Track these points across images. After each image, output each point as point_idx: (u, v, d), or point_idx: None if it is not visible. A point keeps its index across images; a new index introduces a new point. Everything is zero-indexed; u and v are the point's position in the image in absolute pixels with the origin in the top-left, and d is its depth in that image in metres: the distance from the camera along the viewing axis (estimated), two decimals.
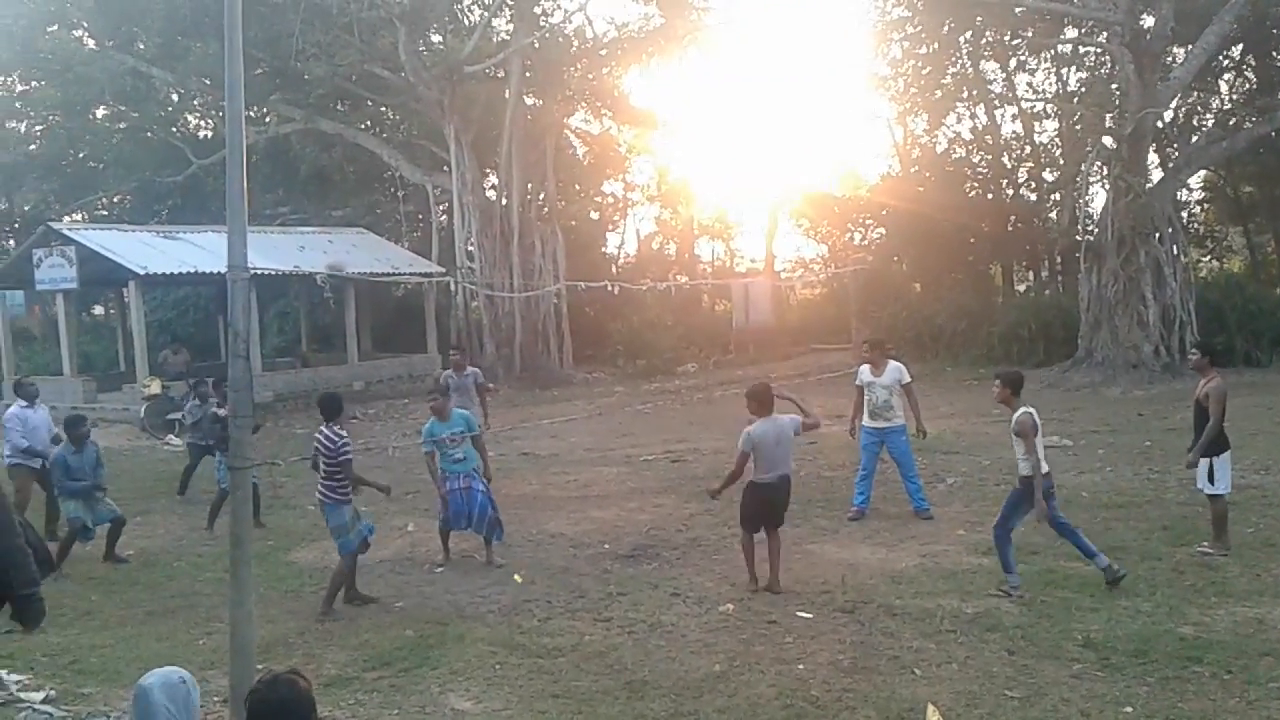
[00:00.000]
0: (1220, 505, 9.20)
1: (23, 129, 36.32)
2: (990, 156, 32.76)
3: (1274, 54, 28.02)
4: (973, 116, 32.90)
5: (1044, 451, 8.36)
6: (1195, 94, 28.32)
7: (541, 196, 30.70)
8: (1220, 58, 26.74)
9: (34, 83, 33.22)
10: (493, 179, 31.13)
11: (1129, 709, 6.02)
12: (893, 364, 11.26)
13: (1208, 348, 9.99)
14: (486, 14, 30.25)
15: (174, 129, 33.71)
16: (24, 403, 11.84)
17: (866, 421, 11.32)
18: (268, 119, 31.31)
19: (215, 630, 8.02)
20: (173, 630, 8.36)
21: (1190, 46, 23.33)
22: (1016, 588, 8.24)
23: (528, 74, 28.71)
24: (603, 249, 38.26)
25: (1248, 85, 29.36)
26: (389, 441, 18.25)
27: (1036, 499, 8.17)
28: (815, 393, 22.59)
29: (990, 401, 19.89)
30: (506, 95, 28.28)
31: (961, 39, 27.75)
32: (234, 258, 6.09)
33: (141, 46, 29.95)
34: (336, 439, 8.65)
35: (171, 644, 7.95)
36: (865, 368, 11.45)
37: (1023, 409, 8.40)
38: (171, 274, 22.62)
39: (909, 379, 11.23)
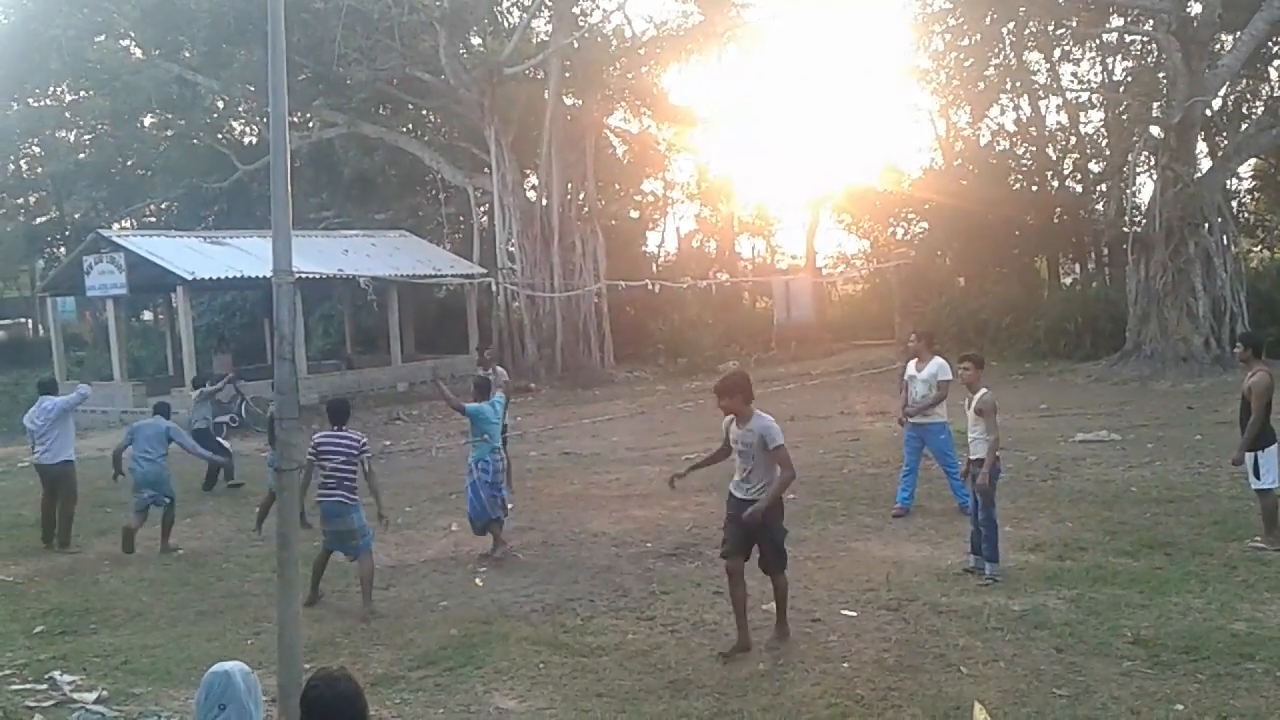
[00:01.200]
0: (1269, 499, 9.03)
1: (72, 138, 37.11)
2: (1035, 148, 32.41)
3: None
4: (1016, 108, 32.59)
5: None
6: (1244, 81, 27.80)
7: (581, 196, 30.79)
8: (1270, 44, 26.21)
9: (83, 92, 33.95)
10: (533, 180, 31.31)
11: (1180, 707, 5.92)
12: (936, 359, 11.11)
13: (1250, 340, 9.85)
14: (526, 15, 30.41)
15: (219, 135, 34.23)
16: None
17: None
18: (311, 124, 31.72)
19: (263, 630, 8.12)
20: (222, 630, 8.46)
21: (1239, 33, 22.90)
22: (998, 577, 8.47)
23: (567, 74, 28.80)
24: (643, 248, 38.35)
25: None
26: (433, 442, 18.37)
27: (985, 471, 8.61)
28: (858, 389, 22.53)
29: (1036, 396, 19.78)
30: (546, 96, 28.40)
31: (1004, 30, 27.43)
32: (279, 262, 6.15)
33: (187, 55, 30.45)
34: (360, 440, 8.92)
35: (221, 644, 8.05)
36: (912, 363, 11.34)
37: (985, 390, 8.83)
38: (218, 279, 22.96)
39: (948, 377, 10.85)
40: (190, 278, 22.12)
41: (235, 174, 31.19)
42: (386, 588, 9.50)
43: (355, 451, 8.80)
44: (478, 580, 9.55)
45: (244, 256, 23.88)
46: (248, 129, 36.65)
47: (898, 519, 10.88)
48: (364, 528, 8.93)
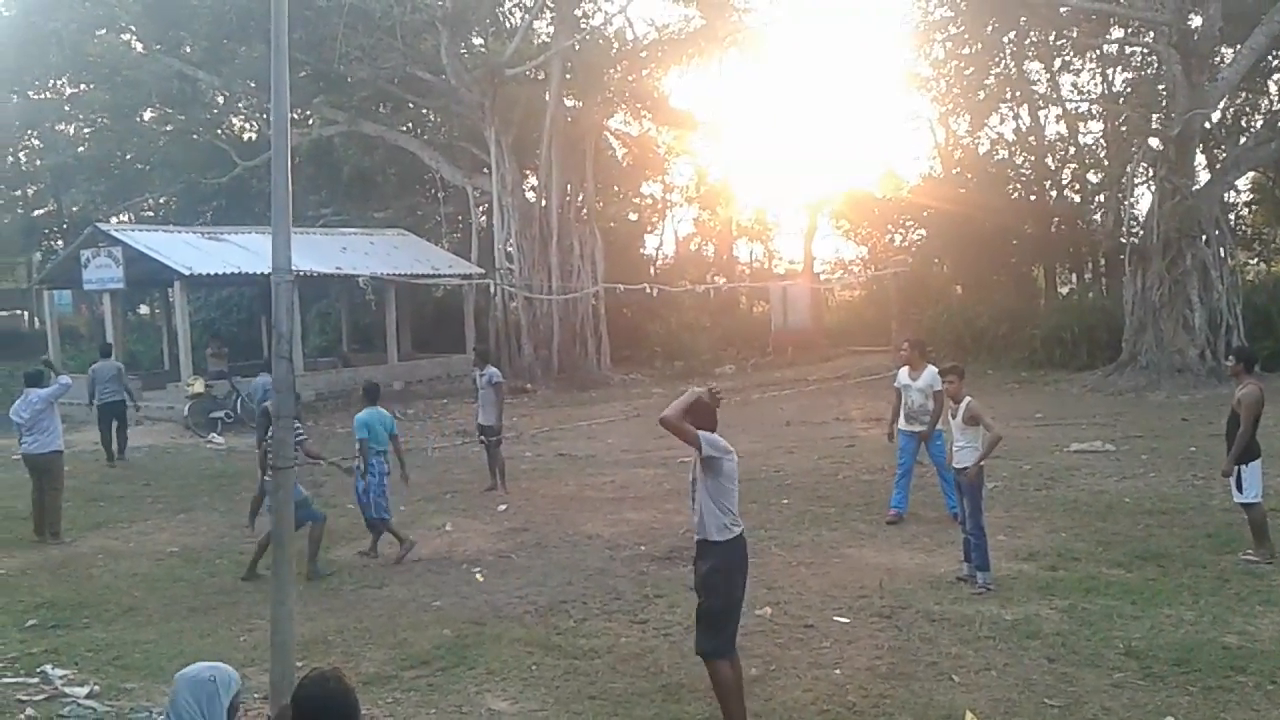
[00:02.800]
0: (1256, 512, 9.08)
1: (71, 131, 37.01)
2: (1033, 158, 32.45)
3: None
4: (1016, 117, 32.63)
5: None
6: (1244, 95, 27.87)
7: (580, 198, 30.78)
8: (1269, 58, 26.28)
9: (83, 85, 33.84)
10: (532, 180, 31.30)
11: (1170, 719, 5.94)
12: (930, 368, 11.09)
13: (1242, 353, 9.92)
14: (528, 17, 30.41)
15: (219, 131, 34.16)
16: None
17: (903, 424, 11.24)
18: (311, 121, 31.67)
19: (256, 627, 8.12)
20: (214, 627, 8.46)
21: (1239, 46, 22.95)
22: (990, 585, 8.52)
23: (568, 76, 28.81)
24: (641, 250, 38.32)
25: None
26: (429, 442, 18.34)
27: (974, 465, 8.66)
28: (854, 395, 22.54)
29: (1032, 404, 19.81)
30: (547, 97, 28.39)
31: (1005, 39, 27.52)
32: (279, 260, 6.15)
33: (188, 50, 30.41)
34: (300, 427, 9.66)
35: (213, 640, 8.05)
36: (904, 370, 11.36)
37: (969, 397, 8.94)
38: (216, 274, 22.91)
39: (940, 387, 10.64)
40: (188, 273, 22.08)
41: (234, 170, 31.14)
42: (380, 586, 9.51)
43: (301, 436, 9.63)
44: (477, 576, 9.44)
45: (242, 253, 23.85)
46: (248, 125, 36.60)
47: (892, 525, 10.89)
48: (305, 498, 9.85)
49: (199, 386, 21.24)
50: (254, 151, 31.42)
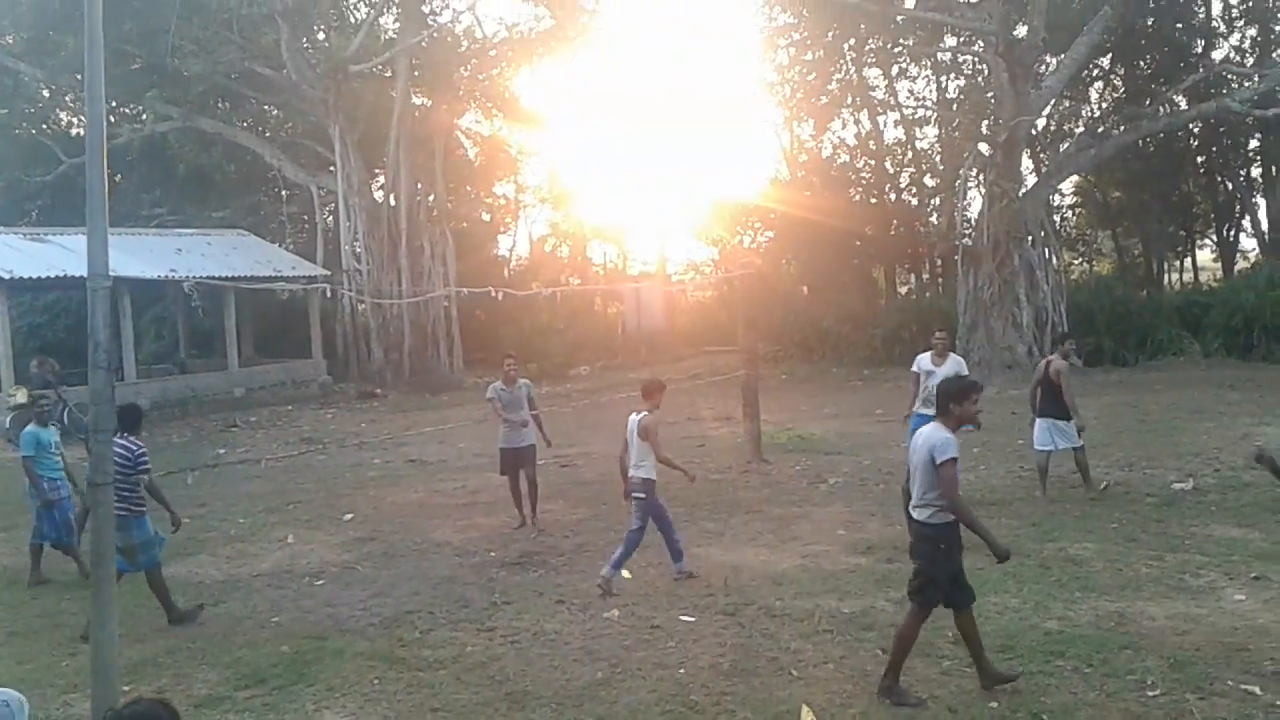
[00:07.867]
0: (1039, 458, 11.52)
1: None
2: (874, 162, 33.53)
3: (1140, 64, 29.32)
4: (857, 122, 33.68)
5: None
6: (1067, 102, 29.47)
7: (431, 198, 30.32)
8: (1090, 67, 27.86)
9: None
10: (381, 180, 30.67)
11: (995, 704, 6.19)
12: (954, 356, 11.47)
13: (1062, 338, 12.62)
14: (372, 11, 29.82)
15: (44, 126, 32.41)
16: None
17: (921, 409, 10.89)
18: (144, 117, 30.31)
19: (80, 651, 7.70)
20: (35, 652, 8.01)
21: (1062, 56, 24.25)
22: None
23: (416, 73, 28.37)
24: (494, 251, 38.01)
25: (1116, 94, 30.67)
26: (266, 452, 17.75)
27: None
28: (705, 395, 22.82)
29: (873, 401, 20.42)
30: (394, 95, 27.88)
31: (845, 46, 28.36)
32: (94, 265, 5.88)
33: (9, 41, 28.74)
34: (134, 450, 8.36)
35: (34, 666, 7.63)
36: (925, 356, 11.36)
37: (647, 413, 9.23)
38: (39, 278, 21.73)
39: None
40: (9, 277, 20.89)
41: (60, 167, 29.54)
42: (216, 604, 9.16)
43: (128, 464, 8.23)
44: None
45: (68, 255, 22.63)
46: (75, 120, 34.74)
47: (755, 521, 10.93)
48: (147, 542, 8.50)
49: (22, 397, 20.04)
50: (82, 148, 29.54)
